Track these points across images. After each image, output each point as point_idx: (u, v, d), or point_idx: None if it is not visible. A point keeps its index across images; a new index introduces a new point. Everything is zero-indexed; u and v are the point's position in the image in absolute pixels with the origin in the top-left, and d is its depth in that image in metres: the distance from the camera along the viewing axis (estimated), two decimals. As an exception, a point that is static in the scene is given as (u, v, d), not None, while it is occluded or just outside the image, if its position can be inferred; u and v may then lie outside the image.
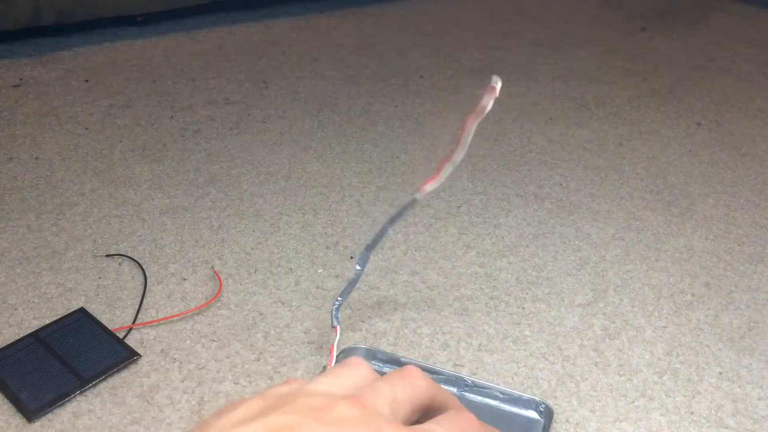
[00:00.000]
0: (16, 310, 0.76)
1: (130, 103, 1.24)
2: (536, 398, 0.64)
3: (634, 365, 0.72)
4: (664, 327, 0.78)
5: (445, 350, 0.73)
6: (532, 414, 0.63)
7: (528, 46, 1.57)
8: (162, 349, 0.72)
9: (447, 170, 0.55)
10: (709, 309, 0.81)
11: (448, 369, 0.69)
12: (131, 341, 0.73)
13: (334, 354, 0.62)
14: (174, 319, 0.76)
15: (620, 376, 0.71)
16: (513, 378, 0.70)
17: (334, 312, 0.65)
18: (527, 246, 0.90)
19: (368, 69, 1.40)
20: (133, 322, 0.75)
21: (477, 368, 0.71)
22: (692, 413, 0.67)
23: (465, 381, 0.66)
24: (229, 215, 0.94)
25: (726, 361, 0.73)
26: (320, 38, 1.56)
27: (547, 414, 0.63)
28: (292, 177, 1.03)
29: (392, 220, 0.60)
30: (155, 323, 0.75)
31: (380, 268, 0.85)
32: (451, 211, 0.97)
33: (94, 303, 0.78)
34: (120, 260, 0.85)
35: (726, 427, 0.66)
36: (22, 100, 1.23)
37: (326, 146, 1.12)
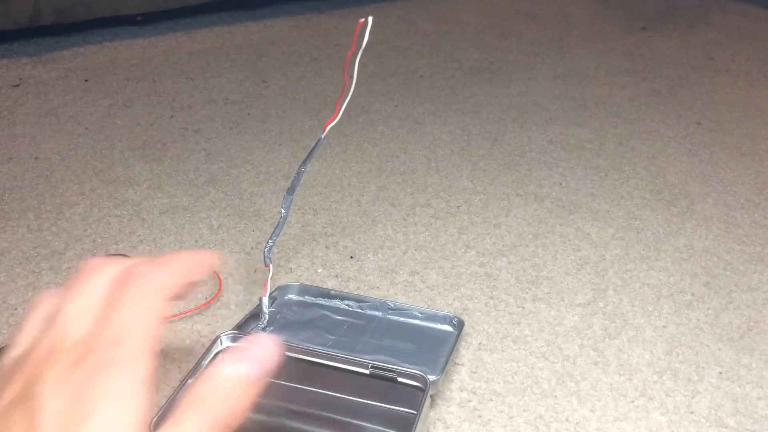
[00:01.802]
0: (15, 309, 0.76)
1: (130, 102, 1.24)
2: (449, 314, 0.74)
3: (634, 365, 0.72)
4: (663, 326, 0.78)
5: (445, 350, 0.73)
6: (447, 327, 0.73)
7: (528, 46, 1.57)
8: (162, 349, 0.72)
9: (343, 106, 0.64)
10: (709, 308, 0.81)
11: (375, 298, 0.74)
12: (131, 341, 0.73)
13: (268, 288, 0.70)
14: (174, 319, 0.76)
15: (620, 375, 0.71)
16: (513, 377, 0.70)
17: (266, 252, 0.70)
18: (527, 246, 0.90)
19: (368, 68, 1.40)
20: (133, 322, 0.75)
21: (477, 367, 0.71)
22: (692, 413, 0.67)
23: (388, 305, 0.75)
24: (228, 215, 0.94)
25: (726, 361, 0.73)
26: (320, 38, 1.56)
27: (459, 326, 0.73)
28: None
29: (305, 162, 0.67)
30: (155, 323, 0.75)
31: (380, 268, 0.85)
32: (450, 210, 0.97)
33: (94, 303, 0.78)
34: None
35: (726, 427, 0.66)
36: (22, 100, 1.23)
37: (326, 146, 1.12)
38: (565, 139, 1.17)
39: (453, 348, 0.70)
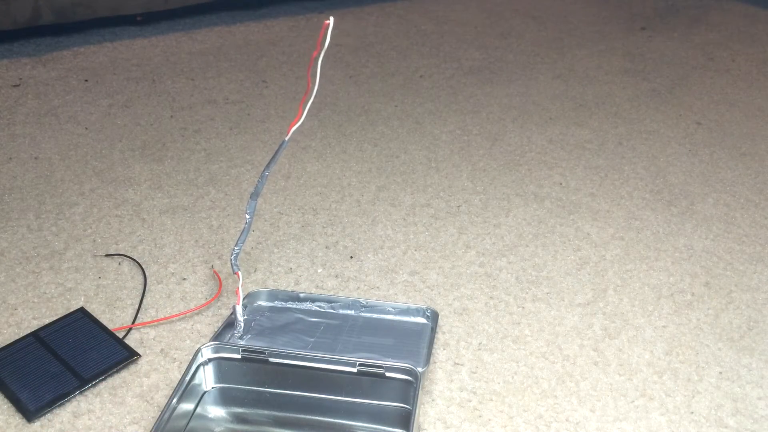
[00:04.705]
0: (15, 309, 0.76)
1: (130, 102, 1.24)
2: (422, 306, 0.75)
3: (634, 365, 0.72)
4: (663, 327, 0.78)
5: (445, 349, 0.73)
6: (421, 319, 0.75)
7: (528, 46, 1.57)
8: (162, 349, 0.72)
9: (306, 107, 0.64)
10: (709, 309, 0.81)
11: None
12: (131, 341, 0.73)
13: (240, 295, 0.71)
14: (174, 318, 0.76)
15: (620, 375, 0.71)
16: (513, 377, 0.70)
17: (233, 260, 0.70)
18: (527, 246, 0.90)
19: (368, 68, 1.40)
20: (133, 322, 0.75)
21: (477, 367, 0.71)
22: (692, 413, 0.67)
23: (361, 303, 0.76)
24: (228, 215, 0.94)
25: (726, 361, 0.73)
26: (320, 38, 1.56)
27: (434, 317, 0.74)
28: (292, 177, 1.04)
29: (269, 166, 0.67)
30: (155, 323, 0.75)
31: (380, 268, 0.85)
32: (450, 210, 0.97)
33: (94, 303, 0.78)
34: (120, 260, 0.85)
35: (726, 427, 0.66)
36: (22, 100, 1.23)
37: (326, 146, 1.12)
38: (565, 139, 1.17)
39: (432, 339, 0.72)
